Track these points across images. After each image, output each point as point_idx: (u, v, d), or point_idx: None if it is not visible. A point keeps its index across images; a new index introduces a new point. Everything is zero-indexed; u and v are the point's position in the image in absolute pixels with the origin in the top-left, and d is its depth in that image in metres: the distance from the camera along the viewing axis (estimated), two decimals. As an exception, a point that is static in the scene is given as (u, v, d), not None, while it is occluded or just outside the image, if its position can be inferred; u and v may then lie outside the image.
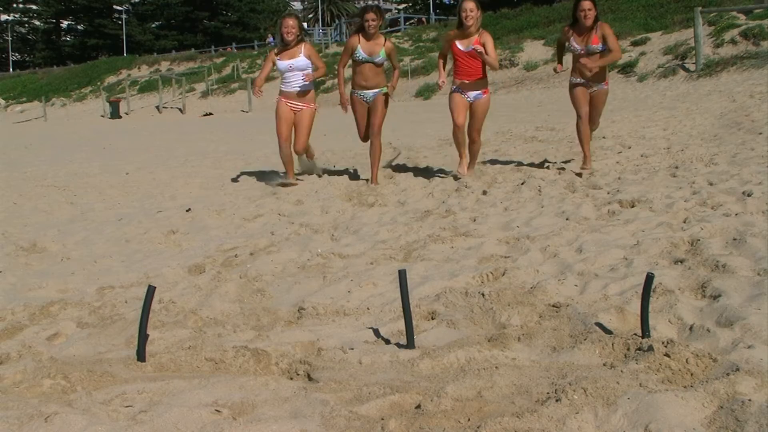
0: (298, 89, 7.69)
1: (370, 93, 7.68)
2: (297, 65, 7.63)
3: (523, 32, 30.50)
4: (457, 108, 7.42)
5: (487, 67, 7.34)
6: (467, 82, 7.36)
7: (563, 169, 7.79)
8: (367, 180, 7.89)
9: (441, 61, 7.74)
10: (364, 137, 7.96)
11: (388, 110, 7.84)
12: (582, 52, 7.32)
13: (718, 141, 8.83)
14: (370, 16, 7.54)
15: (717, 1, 24.38)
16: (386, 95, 7.75)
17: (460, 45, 7.34)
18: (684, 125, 10.76)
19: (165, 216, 6.52)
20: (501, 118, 14.38)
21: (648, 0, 28.11)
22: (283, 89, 7.83)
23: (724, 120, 10.84)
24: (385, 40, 7.69)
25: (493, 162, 8.65)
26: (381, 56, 7.59)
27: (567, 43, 7.59)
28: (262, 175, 8.57)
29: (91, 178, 9.55)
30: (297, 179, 7.90)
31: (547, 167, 7.99)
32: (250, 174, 8.87)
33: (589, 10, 7.23)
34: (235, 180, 8.52)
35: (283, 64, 7.65)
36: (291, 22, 7.63)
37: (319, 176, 8.17)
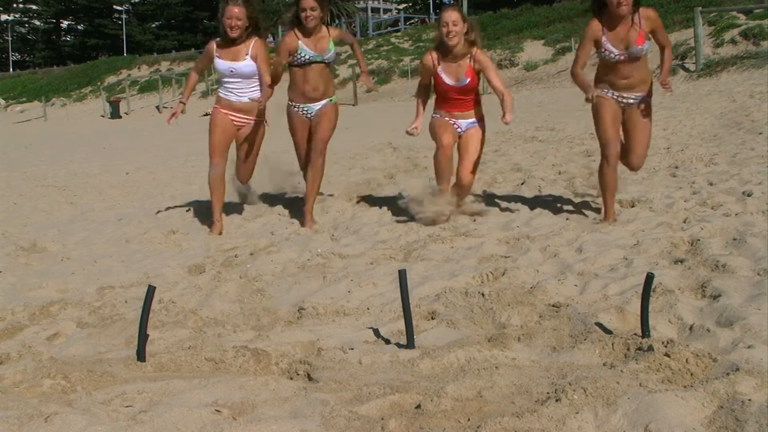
0: (246, 100, 5.68)
1: (315, 106, 5.87)
2: (240, 70, 5.64)
3: (523, 32, 30.50)
4: (441, 128, 5.48)
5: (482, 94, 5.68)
6: (456, 113, 5.51)
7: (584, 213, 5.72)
8: (300, 220, 5.88)
9: (420, 102, 5.65)
10: (306, 164, 6.04)
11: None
12: (622, 57, 4.94)
13: (718, 141, 8.83)
14: (308, 3, 5.65)
15: (717, 1, 24.38)
16: (336, 105, 6.01)
17: (446, 77, 5.32)
18: (684, 125, 10.76)
19: (165, 216, 6.52)
20: (501, 118, 14.35)
21: (648, 0, 28.14)
22: (222, 96, 5.79)
23: (724, 120, 10.84)
24: (329, 28, 5.94)
25: (494, 162, 8.65)
26: (332, 50, 5.88)
27: (597, 47, 5.00)
28: (262, 175, 8.51)
29: (91, 178, 9.55)
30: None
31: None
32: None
33: None
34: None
35: (222, 64, 5.67)
36: (236, 10, 5.52)
37: (253, 204, 6.57)
